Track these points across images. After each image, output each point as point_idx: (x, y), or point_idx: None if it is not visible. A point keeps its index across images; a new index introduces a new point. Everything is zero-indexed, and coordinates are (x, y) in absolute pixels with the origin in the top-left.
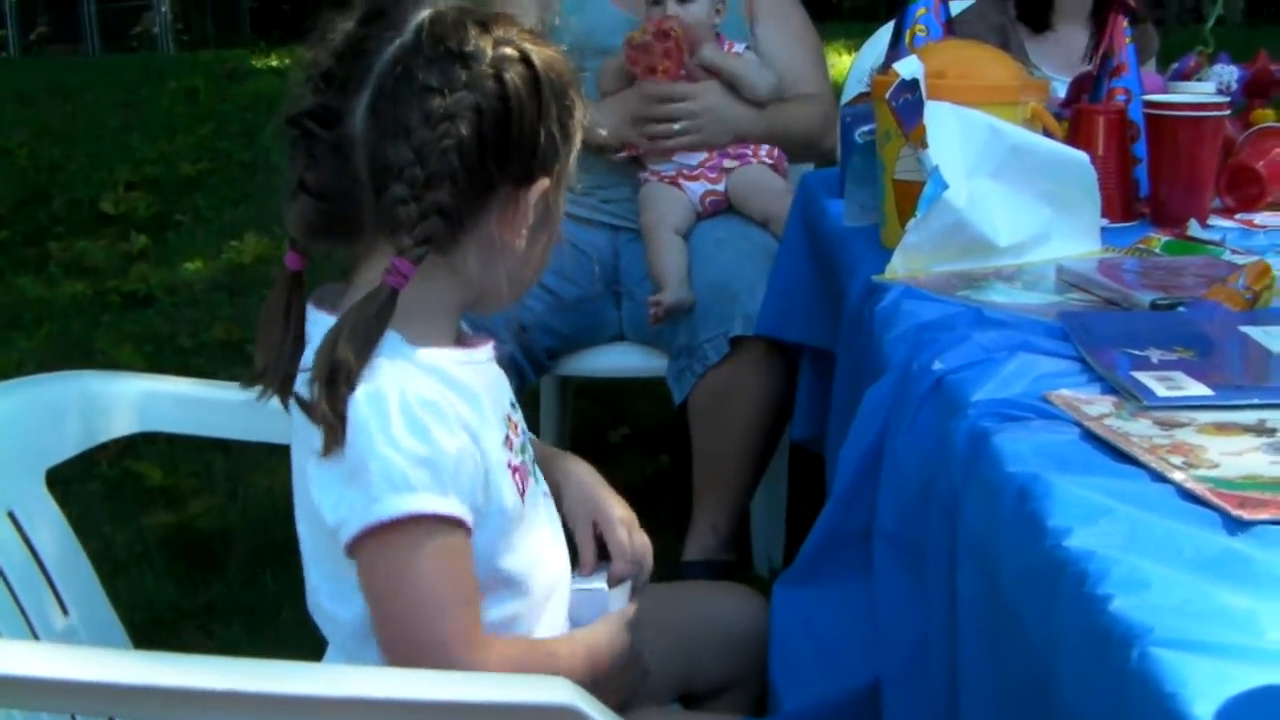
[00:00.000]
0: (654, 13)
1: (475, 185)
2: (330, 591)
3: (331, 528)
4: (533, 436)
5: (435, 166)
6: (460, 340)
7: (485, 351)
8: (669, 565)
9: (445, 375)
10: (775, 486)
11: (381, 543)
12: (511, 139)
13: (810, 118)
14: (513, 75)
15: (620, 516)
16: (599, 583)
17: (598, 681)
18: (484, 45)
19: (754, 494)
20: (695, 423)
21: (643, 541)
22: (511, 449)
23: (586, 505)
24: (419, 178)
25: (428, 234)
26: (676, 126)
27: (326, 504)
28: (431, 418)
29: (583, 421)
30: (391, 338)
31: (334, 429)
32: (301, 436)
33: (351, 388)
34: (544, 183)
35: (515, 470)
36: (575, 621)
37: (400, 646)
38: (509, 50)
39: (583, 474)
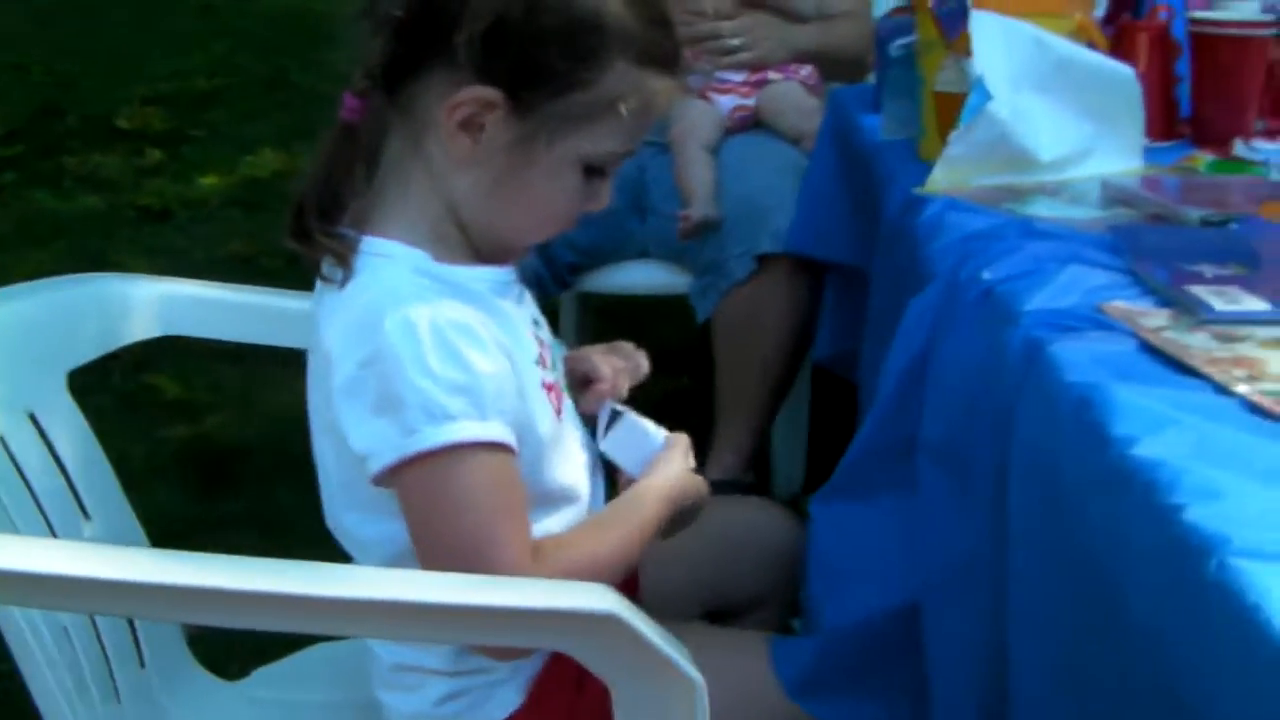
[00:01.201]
0: None
1: (414, 42)
2: (357, 514)
3: (359, 455)
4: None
5: (386, 5)
6: (484, 259)
7: (508, 272)
8: None
9: (473, 294)
10: (797, 408)
11: (421, 472)
12: (456, 16)
13: (857, 35)
14: None
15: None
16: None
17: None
18: None
19: (776, 415)
20: (719, 341)
21: (623, 349)
22: (545, 366)
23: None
24: (376, 17)
25: (370, 69)
26: (735, 42)
27: (355, 433)
28: (465, 341)
29: (603, 340)
30: (416, 256)
31: (338, 256)
32: (320, 356)
33: (328, 216)
34: (484, 91)
35: (550, 389)
36: (627, 459)
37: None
38: None
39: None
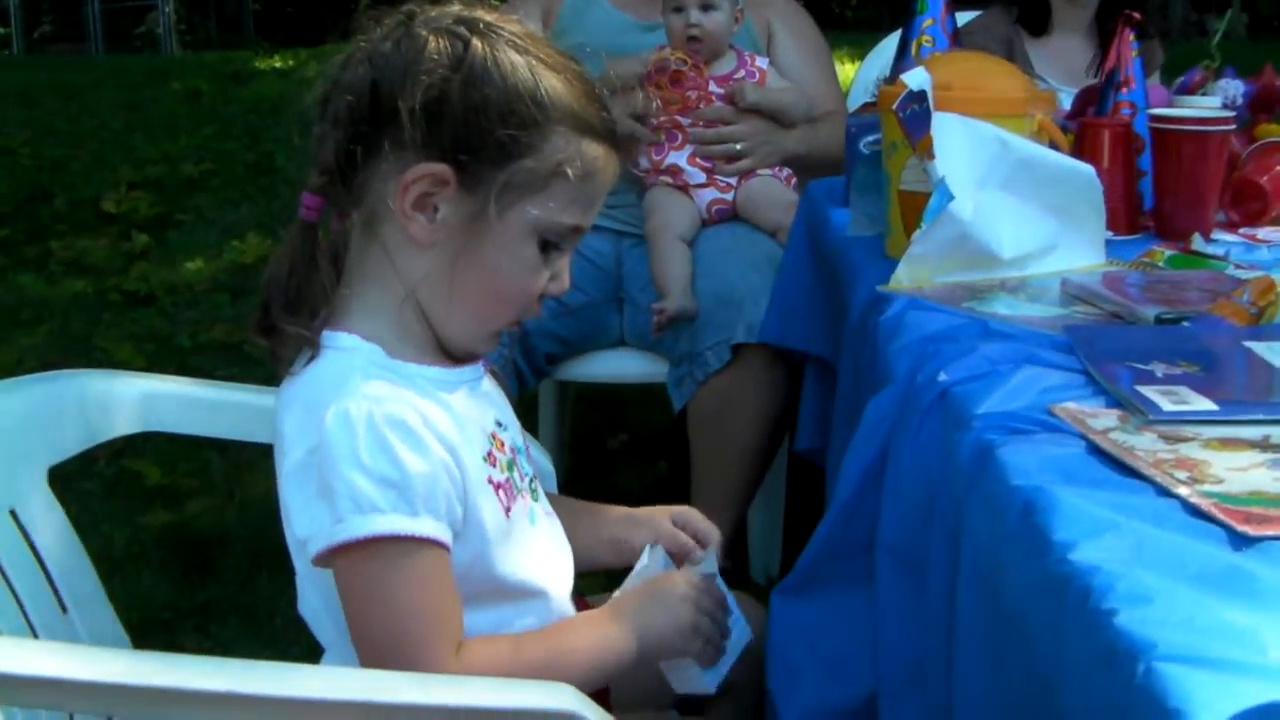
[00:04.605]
0: (675, 21)
1: (366, 130)
2: (322, 596)
3: (300, 539)
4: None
5: (336, 103)
6: (447, 355)
7: (471, 371)
8: None
9: (424, 388)
10: (773, 496)
11: (350, 561)
12: (398, 95)
13: (840, 137)
14: (434, 44)
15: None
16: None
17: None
18: (438, 17)
19: (752, 503)
20: (694, 430)
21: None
22: (495, 465)
23: (656, 515)
24: (327, 115)
25: (324, 165)
26: (739, 147)
27: (299, 518)
28: (399, 437)
29: (582, 427)
30: (371, 350)
31: (306, 341)
32: (277, 442)
33: (293, 310)
34: (432, 167)
35: (499, 487)
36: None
37: (375, 661)
38: (460, 29)
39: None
